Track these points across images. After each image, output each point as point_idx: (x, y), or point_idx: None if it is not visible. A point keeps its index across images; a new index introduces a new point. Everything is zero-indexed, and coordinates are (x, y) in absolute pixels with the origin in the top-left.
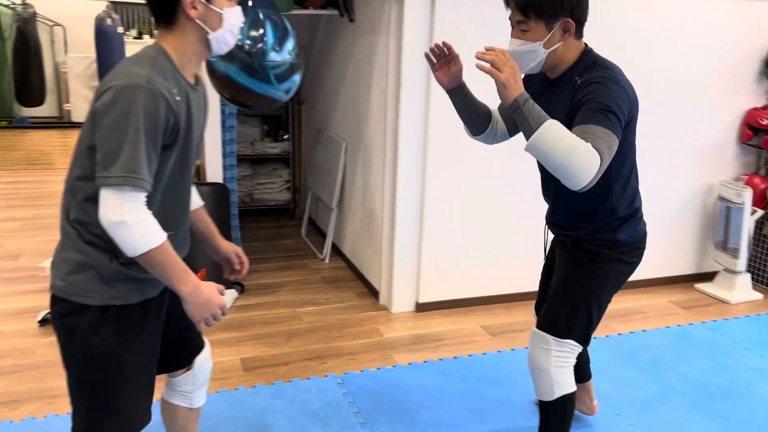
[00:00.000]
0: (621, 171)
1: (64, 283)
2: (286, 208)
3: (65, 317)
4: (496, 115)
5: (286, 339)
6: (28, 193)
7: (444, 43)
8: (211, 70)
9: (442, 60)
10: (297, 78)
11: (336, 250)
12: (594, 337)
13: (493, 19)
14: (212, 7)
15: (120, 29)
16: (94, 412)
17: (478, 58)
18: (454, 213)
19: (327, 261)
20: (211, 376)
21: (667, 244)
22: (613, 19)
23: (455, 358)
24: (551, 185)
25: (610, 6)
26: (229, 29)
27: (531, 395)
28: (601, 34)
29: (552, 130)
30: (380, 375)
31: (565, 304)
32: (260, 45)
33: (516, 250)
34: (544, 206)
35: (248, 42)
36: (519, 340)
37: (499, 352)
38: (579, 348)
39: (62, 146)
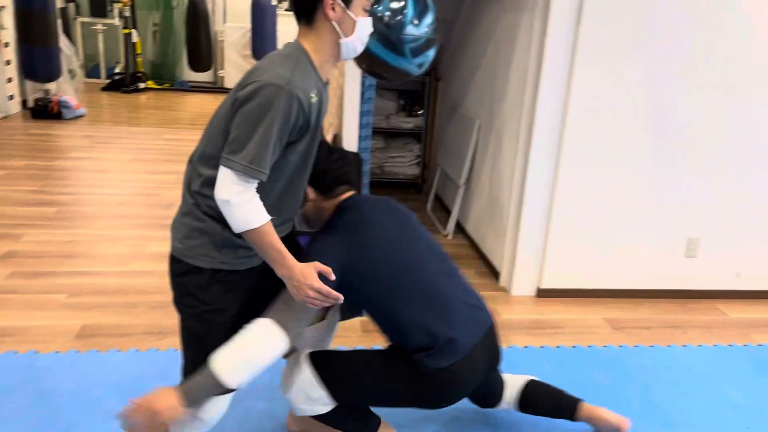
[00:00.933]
0: (383, 323)
1: (181, 246)
2: (414, 182)
3: (179, 276)
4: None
5: None
6: (185, 150)
7: None
8: None
9: None
10: (431, 53)
11: (459, 228)
12: (730, 345)
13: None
14: (349, 12)
15: (274, 2)
16: (197, 361)
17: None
18: (587, 202)
19: (450, 237)
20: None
21: None
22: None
23: (573, 347)
24: None
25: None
26: (359, 37)
27: (650, 393)
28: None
29: (216, 370)
30: None
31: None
32: (399, 18)
33: (650, 245)
34: (683, 204)
35: (388, 14)
36: (643, 337)
37: (621, 346)
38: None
39: (215, 109)
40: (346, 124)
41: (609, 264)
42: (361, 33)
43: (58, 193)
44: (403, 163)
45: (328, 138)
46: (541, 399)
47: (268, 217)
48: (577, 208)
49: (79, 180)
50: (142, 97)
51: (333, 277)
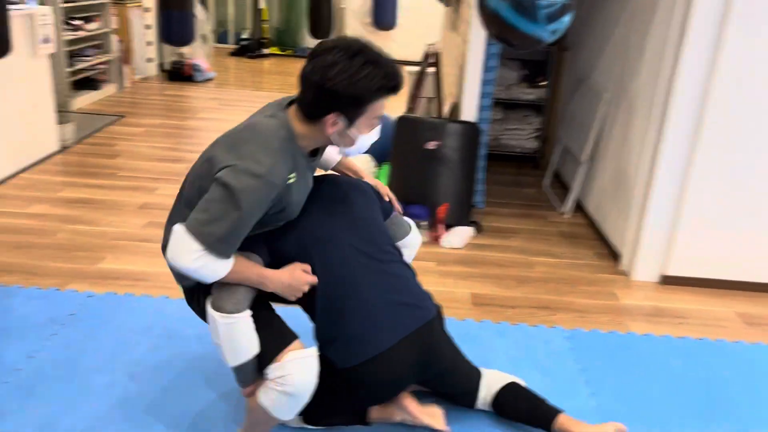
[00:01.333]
0: (324, 290)
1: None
2: (532, 157)
3: (181, 279)
4: None
5: (516, 283)
6: None
7: None
8: (482, 6)
9: None
10: (567, 19)
11: (578, 207)
12: None
13: None
14: (350, 130)
15: None
16: None
17: None
18: (726, 184)
19: (567, 215)
20: (442, 304)
21: None
22: None
23: (700, 339)
24: None
25: None
26: (358, 148)
27: None
28: None
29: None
30: (611, 338)
31: None
32: None
33: None
34: None
35: None
36: None
37: (755, 344)
38: None
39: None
40: (467, 93)
41: (746, 254)
42: (361, 145)
43: (187, 150)
44: (521, 136)
45: (446, 108)
46: (515, 404)
47: (233, 260)
48: (714, 190)
49: (207, 139)
50: (266, 63)
51: (311, 273)
